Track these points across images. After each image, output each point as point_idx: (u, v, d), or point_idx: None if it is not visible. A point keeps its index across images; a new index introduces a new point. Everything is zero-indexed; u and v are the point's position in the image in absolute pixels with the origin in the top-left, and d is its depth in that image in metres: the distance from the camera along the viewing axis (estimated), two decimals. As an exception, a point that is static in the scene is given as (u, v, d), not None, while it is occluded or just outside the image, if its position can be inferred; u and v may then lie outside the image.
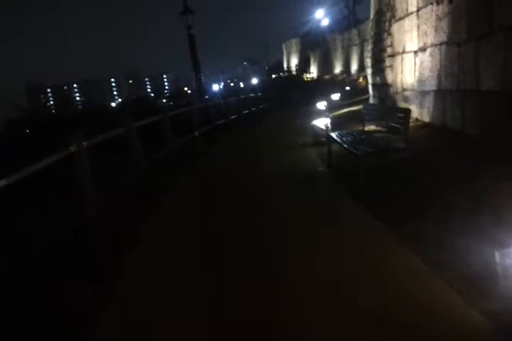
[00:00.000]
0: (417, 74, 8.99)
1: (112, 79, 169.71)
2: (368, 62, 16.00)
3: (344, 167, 6.50)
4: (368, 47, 15.11)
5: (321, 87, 31.58)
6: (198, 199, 6.35)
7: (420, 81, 8.80)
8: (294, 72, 53.61)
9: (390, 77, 10.93)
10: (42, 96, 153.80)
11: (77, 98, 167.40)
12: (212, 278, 3.59)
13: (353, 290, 3.09)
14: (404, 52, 9.75)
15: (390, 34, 10.85)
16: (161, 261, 4.10)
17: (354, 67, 38.35)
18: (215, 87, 59.62)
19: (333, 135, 6.45)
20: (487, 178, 4.53)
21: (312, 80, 45.87)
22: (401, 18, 9.86)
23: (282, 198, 5.75)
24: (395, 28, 10.36)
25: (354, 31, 38.61)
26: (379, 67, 12.14)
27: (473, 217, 3.79)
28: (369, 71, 15.66)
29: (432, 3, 7.88)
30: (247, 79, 71.15)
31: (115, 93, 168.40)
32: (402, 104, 9.95)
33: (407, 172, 5.47)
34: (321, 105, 16.22)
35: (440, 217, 3.99)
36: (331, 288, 3.16)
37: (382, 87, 11.88)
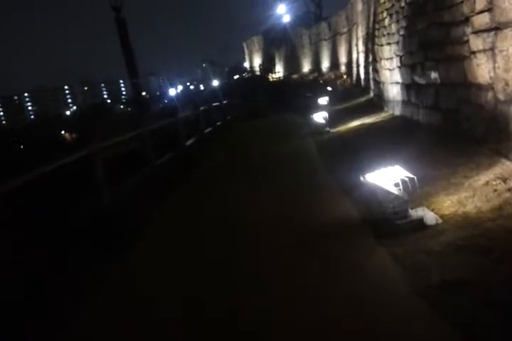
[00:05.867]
0: None
1: (66, 87, 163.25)
2: (386, 50, 10.75)
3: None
4: (392, 28, 9.82)
5: (290, 88, 27.34)
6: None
7: None
8: (258, 73, 49.29)
9: (482, 70, 5.59)
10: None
11: (29, 108, 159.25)
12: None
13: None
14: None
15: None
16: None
17: (325, 64, 33.38)
18: (172, 92, 53.99)
19: None
20: None
21: (279, 81, 41.60)
22: None
23: None
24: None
25: (324, 24, 33.65)
26: (439, 55, 6.85)
27: None
28: (390, 64, 10.36)
29: None
30: (207, 81, 66.16)
31: (70, 101, 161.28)
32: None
33: None
34: (319, 117, 10.99)
35: None
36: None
37: (454, 90, 6.55)
